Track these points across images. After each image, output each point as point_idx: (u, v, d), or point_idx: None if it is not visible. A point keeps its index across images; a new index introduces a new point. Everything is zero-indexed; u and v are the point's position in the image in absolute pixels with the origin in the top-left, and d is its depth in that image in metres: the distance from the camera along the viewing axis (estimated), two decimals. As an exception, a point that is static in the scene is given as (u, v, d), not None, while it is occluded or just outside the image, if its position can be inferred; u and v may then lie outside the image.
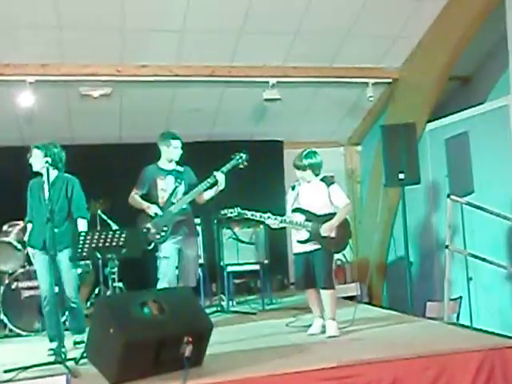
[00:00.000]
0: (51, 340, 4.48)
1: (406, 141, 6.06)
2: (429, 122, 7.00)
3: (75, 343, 4.58)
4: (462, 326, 5.39)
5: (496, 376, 3.60)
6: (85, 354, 3.71)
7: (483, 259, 5.43)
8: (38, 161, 4.57)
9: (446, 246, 5.56)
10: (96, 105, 6.66)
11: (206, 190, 5.12)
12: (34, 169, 4.66)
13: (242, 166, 5.15)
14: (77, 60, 6.02)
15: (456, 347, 3.72)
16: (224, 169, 5.09)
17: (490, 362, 3.61)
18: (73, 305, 4.63)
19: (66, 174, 4.74)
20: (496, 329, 5.09)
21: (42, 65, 5.99)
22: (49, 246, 4.31)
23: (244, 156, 5.15)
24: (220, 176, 5.05)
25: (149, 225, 5.06)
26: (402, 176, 5.98)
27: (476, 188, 6.17)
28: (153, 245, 5.07)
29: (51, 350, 4.28)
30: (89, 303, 6.27)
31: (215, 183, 5.09)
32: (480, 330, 4.88)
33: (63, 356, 3.81)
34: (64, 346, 3.97)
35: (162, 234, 5.05)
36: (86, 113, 6.86)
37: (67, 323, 4.87)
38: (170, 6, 5.61)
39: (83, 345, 4.13)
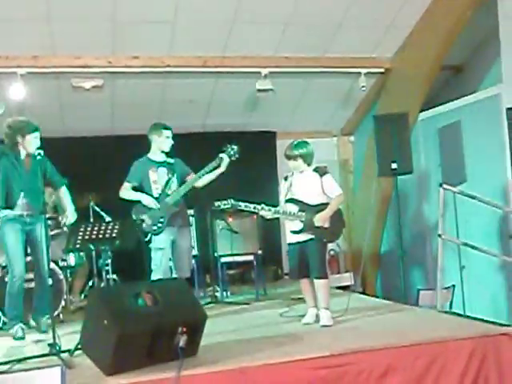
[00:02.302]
0: (11, 320, 4.55)
1: (398, 131, 6.08)
2: (421, 111, 7.02)
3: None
4: (455, 314, 5.42)
5: (488, 363, 3.63)
6: (79, 346, 3.71)
7: (475, 248, 5.47)
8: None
9: (439, 235, 5.59)
10: (88, 96, 6.63)
11: (208, 173, 5.12)
12: None
13: (233, 158, 5.15)
14: (68, 52, 6.00)
15: (448, 335, 3.74)
16: (219, 160, 5.09)
17: (483, 349, 3.63)
18: (47, 281, 4.32)
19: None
20: (488, 317, 5.13)
21: (33, 56, 5.96)
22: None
23: (236, 148, 5.16)
24: (225, 158, 5.06)
25: (144, 216, 5.07)
26: (394, 166, 6.01)
27: (468, 177, 6.21)
28: (149, 236, 5.08)
29: (39, 341, 4.31)
30: (83, 295, 6.28)
31: (217, 166, 5.10)
32: (472, 317, 4.91)
33: (58, 347, 3.81)
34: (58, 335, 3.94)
35: (159, 225, 5.05)
36: (77, 105, 6.83)
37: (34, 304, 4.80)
38: (161, -4, 5.60)
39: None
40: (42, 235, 4.48)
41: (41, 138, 4.70)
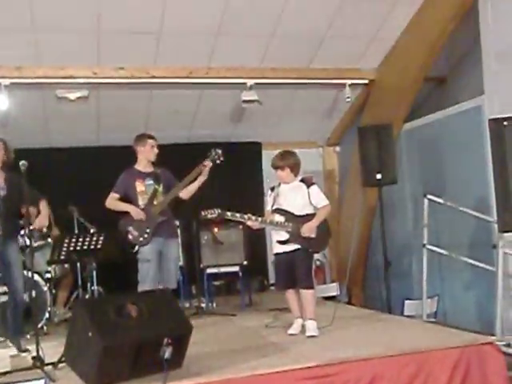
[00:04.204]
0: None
1: (382, 141, 6.12)
2: (405, 122, 7.07)
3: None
4: (440, 323, 5.45)
5: (473, 372, 3.65)
6: (63, 358, 3.67)
7: (459, 257, 5.51)
8: None
9: (423, 245, 5.63)
10: (73, 107, 6.60)
11: (189, 183, 5.10)
12: None
13: (218, 162, 5.13)
14: (53, 62, 5.96)
15: (434, 344, 3.76)
16: (202, 167, 5.08)
17: (467, 359, 3.66)
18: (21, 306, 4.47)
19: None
20: (473, 326, 5.16)
21: (17, 67, 5.92)
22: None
23: (220, 151, 5.15)
24: (207, 163, 5.05)
25: (130, 228, 5.04)
26: (379, 176, 6.04)
27: (451, 188, 6.27)
28: (136, 248, 5.05)
29: (18, 353, 4.26)
30: (67, 307, 6.21)
31: (198, 174, 5.09)
32: (457, 327, 4.93)
33: (41, 360, 3.76)
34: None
35: (145, 236, 5.03)
36: (62, 116, 6.79)
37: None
38: (146, 7, 5.59)
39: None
40: (16, 258, 4.48)
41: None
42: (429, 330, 4.51)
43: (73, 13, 5.45)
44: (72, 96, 6.46)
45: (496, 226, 4.96)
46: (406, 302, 6.09)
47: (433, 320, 5.81)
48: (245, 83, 6.60)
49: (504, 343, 4.54)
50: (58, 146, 7.15)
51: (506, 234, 4.89)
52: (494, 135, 3.86)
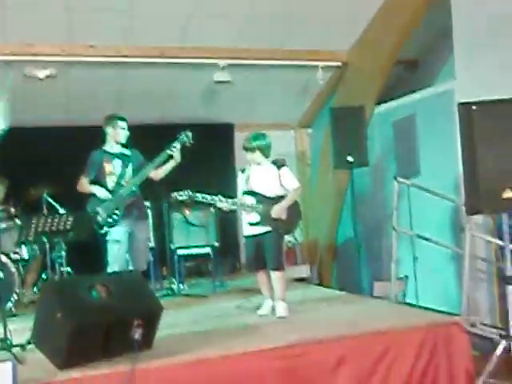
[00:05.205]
0: None
1: (354, 123, 6.16)
2: (377, 104, 7.12)
3: None
4: (408, 304, 5.55)
5: (439, 352, 3.73)
6: (31, 340, 3.65)
7: (428, 239, 5.60)
8: None
9: (393, 228, 5.71)
10: (41, 86, 6.48)
11: (158, 166, 5.07)
12: None
13: (188, 145, 5.10)
14: (21, 39, 5.84)
15: (400, 325, 3.83)
16: (172, 148, 5.05)
17: (433, 338, 3.73)
18: None
19: None
20: (440, 307, 5.27)
21: (-17, 44, 5.80)
22: None
23: (190, 134, 5.11)
24: (178, 145, 5.01)
25: (99, 208, 5.00)
26: (350, 158, 6.08)
27: (422, 170, 6.34)
28: (105, 229, 5.02)
29: None
30: (36, 289, 6.16)
31: (168, 159, 5.05)
32: (424, 307, 5.04)
33: (9, 342, 3.73)
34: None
35: (114, 217, 5.00)
36: (30, 94, 6.67)
37: None
38: (117, -16, 5.51)
39: None
40: None
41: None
42: (396, 311, 4.60)
43: (41, -12, 5.35)
44: (40, 74, 6.34)
45: (464, 208, 5.06)
46: (376, 283, 6.19)
47: (401, 301, 5.92)
48: (217, 64, 6.56)
49: (469, 323, 4.66)
50: (26, 125, 7.01)
51: (473, 217, 4.98)
52: (462, 119, 3.90)
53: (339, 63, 7.17)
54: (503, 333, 4.01)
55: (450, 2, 5.78)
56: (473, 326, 4.83)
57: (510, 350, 3.87)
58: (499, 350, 3.84)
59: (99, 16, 5.79)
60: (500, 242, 4.90)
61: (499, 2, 5.38)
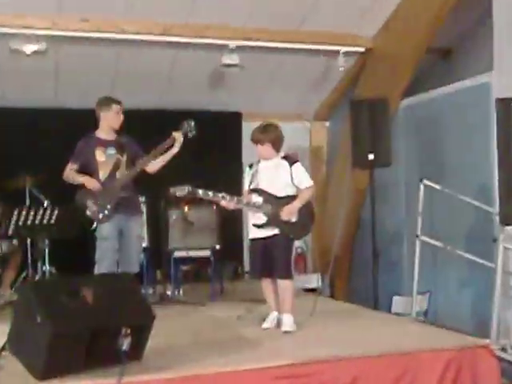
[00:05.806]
0: None
1: (377, 118, 6.13)
2: (404, 98, 7.09)
3: None
4: (430, 323, 5.53)
5: (464, 378, 3.71)
6: (7, 346, 3.65)
7: (455, 251, 5.57)
8: None
9: (417, 236, 5.68)
10: (28, 63, 6.48)
11: (161, 154, 5.08)
12: None
13: (190, 135, 5.11)
14: (7, 9, 5.85)
15: (421, 345, 3.81)
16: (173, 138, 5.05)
17: (458, 363, 3.72)
18: None
19: None
20: (466, 326, 5.25)
21: (-35, 14, 5.81)
22: None
23: (192, 123, 5.12)
24: (178, 136, 5.00)
25: (89, 202, 5.00)
26: (371, 157, 6.05)
27: (451, 173, 6.31)
28: (95, 224, 5.02)
29: None
30: (14, 289, 6.17)
31: (170, 146, 5.05)
32: (449, 327, 5.01)
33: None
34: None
35: (106, 212, 4.99)
36: (16, 71, 6.69)
37: None
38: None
39: None
40: None
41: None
42: (417, 330, 4.58)
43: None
44: (28, 50, 6.33)
45: (497, 217, 5.03)
46: (395, 297, 6.18)
47: (423, 318, 5.90)
48: (226, 45, 6.55)
49: (499, 347, 4.64)
50: (9, 105, 7.04)
51: (507, 227, 4.95)
52: (500, 117, 3.88)
53: (363, 49, 7.14)
54: (537, 359, 4.00)
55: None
56: (503, 350, 4.81)
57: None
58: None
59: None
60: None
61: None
